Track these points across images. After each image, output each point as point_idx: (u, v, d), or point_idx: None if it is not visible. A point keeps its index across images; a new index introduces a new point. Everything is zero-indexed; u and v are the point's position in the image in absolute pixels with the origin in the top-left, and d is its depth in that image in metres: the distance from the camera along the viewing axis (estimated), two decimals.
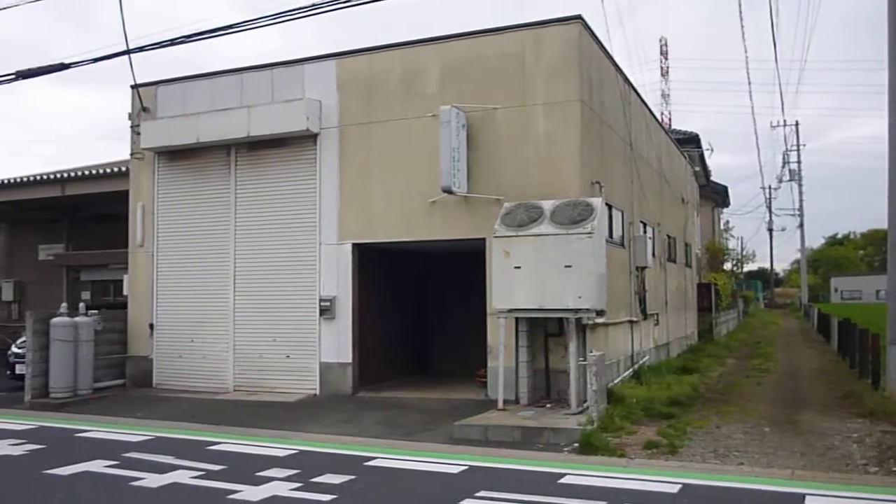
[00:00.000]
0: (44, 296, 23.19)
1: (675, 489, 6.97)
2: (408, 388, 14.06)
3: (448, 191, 12.09)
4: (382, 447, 9.17)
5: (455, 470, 7.87)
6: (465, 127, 12.33)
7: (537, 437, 9.48)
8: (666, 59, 61.52)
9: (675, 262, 20.66)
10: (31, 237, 25.30)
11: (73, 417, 11.98)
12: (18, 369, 15.04)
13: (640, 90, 17.39)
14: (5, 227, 26.08)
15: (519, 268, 10.89)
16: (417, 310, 16.77)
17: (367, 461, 8.33)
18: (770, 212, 64.40)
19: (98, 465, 8.24)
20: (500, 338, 11.19)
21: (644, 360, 15.51)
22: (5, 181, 20.65)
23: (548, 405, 11.06)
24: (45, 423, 11.31)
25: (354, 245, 13.56)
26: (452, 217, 12.64)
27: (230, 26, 12.50)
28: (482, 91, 12.51)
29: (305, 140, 13.89)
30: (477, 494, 6.77)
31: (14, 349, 16.12)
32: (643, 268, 15.47)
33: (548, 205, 11.17)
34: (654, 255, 16.67)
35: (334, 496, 6.85)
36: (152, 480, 7.52)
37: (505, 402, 10.98)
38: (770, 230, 65.89)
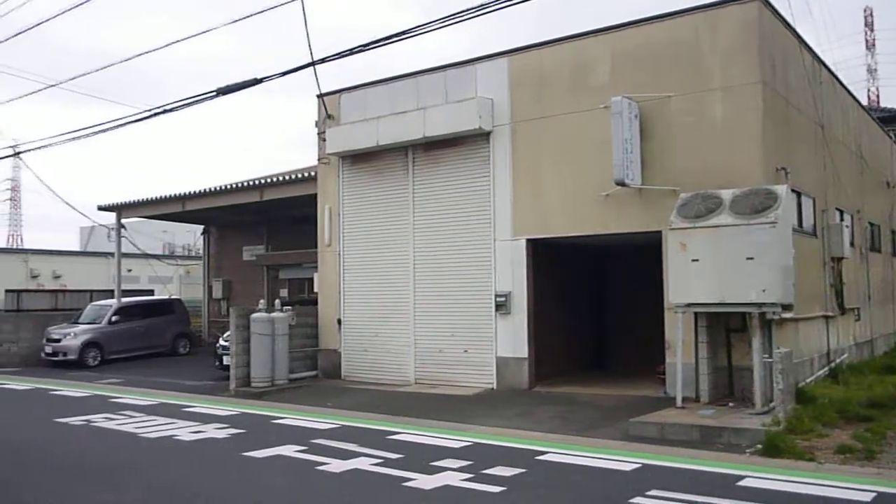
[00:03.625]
0: (248, 293, 25.17)
1: (868, 497, 6.47)
2: (583, 383, 13.92)
3: (621, 183, 11.86)
4: (555, 442, 9.18)
5: (628, 468, 7.74)
6: (637, 117, 12.03)
7: (717, 436, 9.10)
8: (871, 30, 56.41)
9: (879, 251, 18.95)
10: (236, 239, 27.51)
11: (271, 405, 12.95)
12: (225, 360, 16.43)
13: (835, 67, 16.14)
14: (215, 231, 28.52)
15: (697, 261, 10.48)
16: (592, 304, 16.56)
17: (538, 455, 8.38)
18: None
19: (289, 450, 8.87)
20: (678, 333, 10.82)
21: (842, 358, 14.38)
22: (213, 188, 22.58)
23: (730, 404, 10.57)
24: (246, 410, 12.31)
25: (528, 240, 13.63)
26: (626, 210, 12.38)
27: (404, 32, 12.92)
28: (654, 79, 12.15)
29: (478, 138, 14.14)
30: (648, 493, 6.64)
31: (221, 342, 17.64)
32: (840, 258, 14.34)
33: (727, 194, 10.66)
34: (852, 244, 15.39)
35: (504, 488, 6.97)
36: (336, 466, 8.01)
37: (684, 399, 10.61)
38: None
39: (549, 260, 14.13)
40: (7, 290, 27.06)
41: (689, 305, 10.70)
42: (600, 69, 12.82)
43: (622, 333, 16.09)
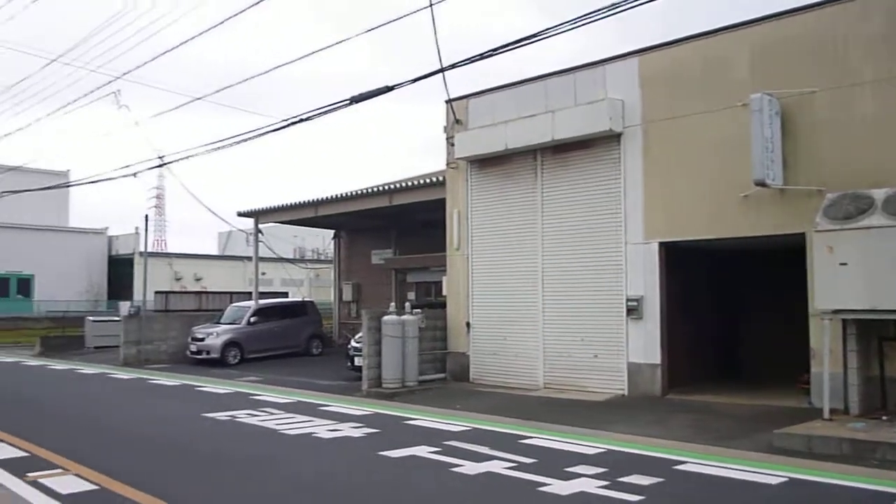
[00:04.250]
0: (376, 296, 25.81)
1: None
2: (718, 391, 13.44)
3: (761, 184, 11.38)
4: (692, 451, 8.90)
5: (774, 481, 7.42)
6: (778, 114, 11.52)
7: (870, 452, 8.56)
8: None
9: None
10: (365, 243, 28.27)
11: (402, 406, 13.21)
12: (357, 361, 16.90)
13: None
14: (345, 236, 29.42)
15: (845, 264, 9.92)
16: (726, 310, 15.96)
17: (676, 465, 8.16)
18: None
19: (423, 451, 9.03)
20: (824, 341, 10.27)
21: None
22: (344, 194, 23.31)
23: (883, 417, 9.92)
24: (379, 410, 12.61)
25: (661, 243, 13.31)
26: (766, 211, 11.87)
27: (531, 36, 12.91)
28: (795, 75, 11.58)
29: (608, 140, 13.93)
30: None
31: (353, 343, 18.15)
32: None
33: (879, 194, 10.03)
34: None
35: (642, 497, 6.83)
36: (469, 468, 8.07)
37: (831, 411, 10.06)
38: None
39: (683, 263, 13.74)
40: (156, 292, 28.88)
41: (836, 312, 10.14)
42: (736, 66, 12.36)
43: (757, 340, 15.45)
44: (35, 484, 7.48)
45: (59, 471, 8.12)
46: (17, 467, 8.23)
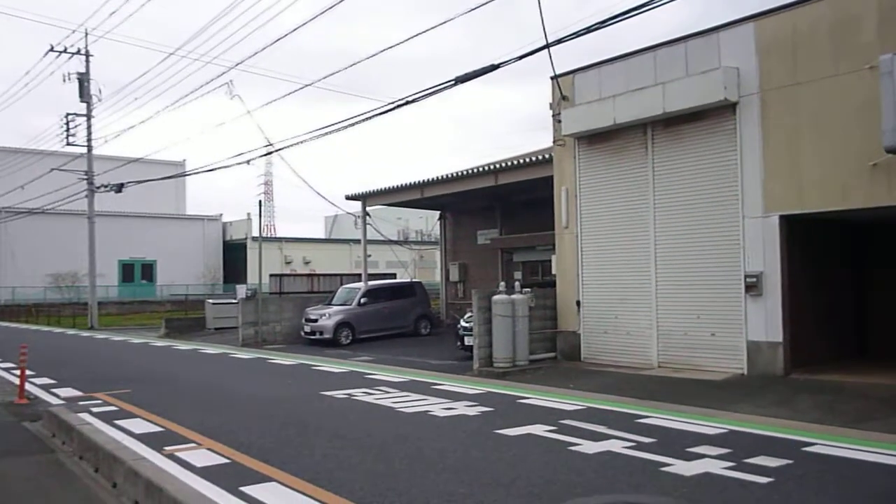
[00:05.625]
0: (482, 276, 25.94)
1: None
2: (846, 371, 12.81)
3: (892, 150, 10.71)
4: (821, 433, 8.53)
5: None
6: None
7: None
8: None
9: None
10: (470, 224, 28.39)
11: (514, 385, 13.22)
12: (467, 341, 17.03)
13: None
14: (450, 217, 29.62)
15: None
16: (853, 285, 15.16)
17: (804, 447, 7.85)
18: None
19: (539, 429, 9.01)
20: None
21: None
22: (449, 175, 23.43)
23: None
24: (491, 389, 12.66)
25: (781, 217, 12.75)
26: None
27: (637, 7, 12.58)
28: None
29: (723, 111, 13.42)
30: None
31: (462, 323, 18.30)
32: None
33: None
34: None
35: (771, 479, 6.60)
36: (588, 447, 8.01)
37: None
38: None
39: (806, 236, 13.14)
40: (271, 275, 29.89)
41: None
42: (864, 26, 11.64)
43: (891, 318, 14.59)
44: (172, 457, 7.91)
45: (193, 445, 8.56)
46: (155, 441, 8.73)
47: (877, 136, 10.81)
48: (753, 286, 12.92)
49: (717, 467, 7.03)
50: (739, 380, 12.79)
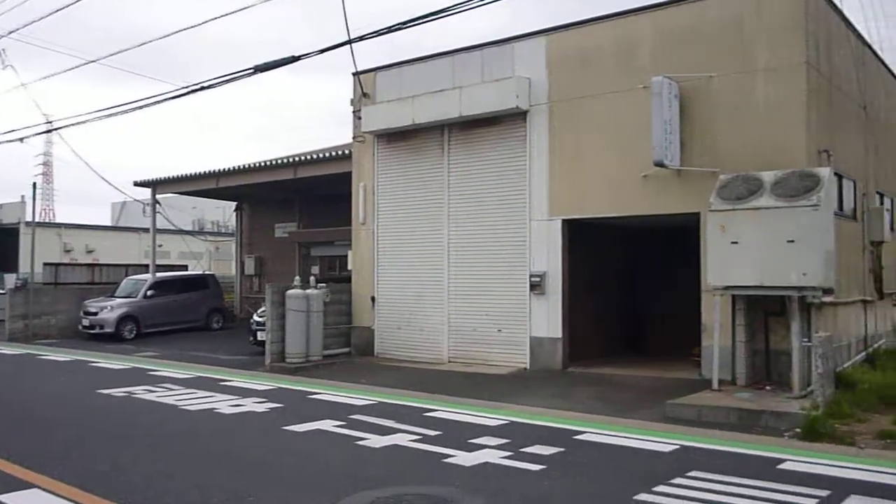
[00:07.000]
0: (279, 270, 25.41)
1: None
2: (618, 364, 13.93)
3: (660, 164, 11.76)
4: (593, 422, 9.21)
5: (667, 449, 7.77)
6: (677, 97, 11.91)
7: (755, 420, 9.08)
8: None
9: None
10: (268, 216, 27.72)
11: (306, 380, 13.11)
12: (259, 336, 16.64)
13: (880, 48, 15.81)
14: (247, 208, 28.76)
15: (736, 243, 10.41)
16: (626, 286, 16.51)
17: (577, 435, 8.43)
18: None
19: (328, 425, 9.01)
20: (715, 316, 10.79)
21: (880, 343, 14.24)
22: (247, 166, 22.75)
23: (767, 387, 10.53)
24: (283, 385, 12.48)
25: (564, 221, 13.61)
26: (665, 191, 12.29)
27: (441, 10, 12.88)
28: (697, 59, 12.01)
29: (515, 118, 14.09)
30: (689, 474, 6.66)
31: (255, 317, 17.85)
32: (880, 242, 14.15)
33: (768, 176, 10.55)
34: (892, 228, 15.18)
35: (544, 466, 7.03)
36: (375, 441, 8.12)
37: (720, 382, 10.59)
38: None
39: (585, 240, 14.10)
40: (45, 263, 27.49)
41: (727, 288, 10.65)
42: (643, 48, 12.69)
43: (656, 315, 16.02)
44: None
45: None
46: None
47: (648, 151, 11.81)
48: (537, 285, 13.68)
49: (496, 457, 7.38)
50: (523, 373, 13.49)
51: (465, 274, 14.80)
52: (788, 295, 10.17)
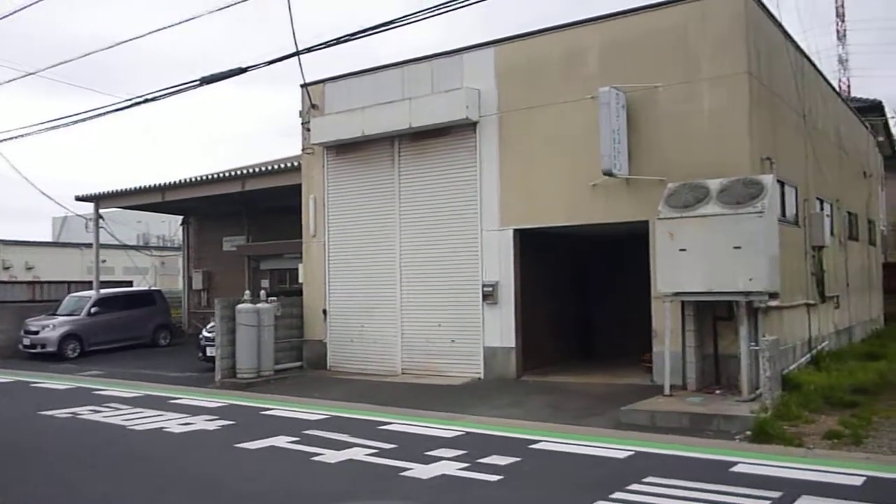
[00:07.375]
0: (228, 284, 25.00)
1: (858, 482, 6.61)
2: (572, 372, 14.02)
3: (609, 173, 11.91)
4: (548, 431, 9.24)
5: (622, 455, 7.83)
6: (625, 107, 12.09)
7: (706, 423, 9.22)
8: (843, 21, 56.83)
9: (857, 240, 19.25)
10: (216, 230, 27.27)
11: (258, 396, 12.90)
12: (209, 352, 16.31)
13: (815, 58, 16.31)
14: (194, 222, 28.27)
15: (684, 250, 10.59)
16: (580, 294, 16.63)
17: (532, 444, 8.45)
18: None
19: (282, 441, 8.86)
20: (665, 322, 10.94)
21: (823, 345, 14.62)
22: (193, 179, 22.37)
23: (717, 391, 10.71)
24: (234, 402, 12.25)
25: (516, 230, 13.67)
26: (614, 200, 12.45)
27: (390, 22, 12.87)
28: (643, 69, 12.21)
29: (465, 129, 14.13)
30: (645, 480, 6.72)
31: (205, 333, 17.49)
32: (820, 247, 14.55)
33: (714, 184, 10.77)
34: (832, 233, 15.62)
35: (501, 477, 7.03)
36: (330, 456, 8.01)
37: (672, 387, 10.74)
38: None
39: (537, 249, 14.18)
40: None
41: (676, 294, 10.82)
42: (590, 59, 12.85)
43: (609, 322, 16.17)
44: None
45: None
46: None
47: (597, 160, 11.94)
48: (490, 295, 13.71)
49: (453, 469, 7.35)
50: (477, 384, 13.48)
51: (418, 285, 14.76)
52: (736, 300, 10.37)
